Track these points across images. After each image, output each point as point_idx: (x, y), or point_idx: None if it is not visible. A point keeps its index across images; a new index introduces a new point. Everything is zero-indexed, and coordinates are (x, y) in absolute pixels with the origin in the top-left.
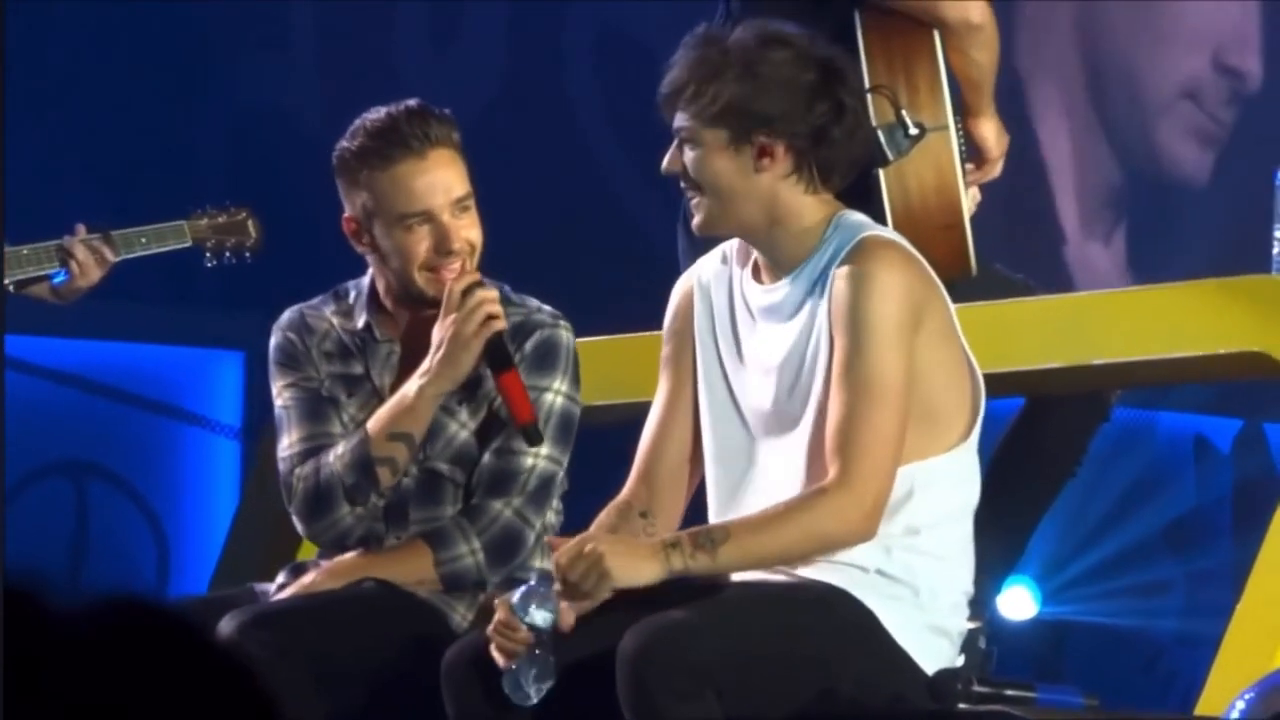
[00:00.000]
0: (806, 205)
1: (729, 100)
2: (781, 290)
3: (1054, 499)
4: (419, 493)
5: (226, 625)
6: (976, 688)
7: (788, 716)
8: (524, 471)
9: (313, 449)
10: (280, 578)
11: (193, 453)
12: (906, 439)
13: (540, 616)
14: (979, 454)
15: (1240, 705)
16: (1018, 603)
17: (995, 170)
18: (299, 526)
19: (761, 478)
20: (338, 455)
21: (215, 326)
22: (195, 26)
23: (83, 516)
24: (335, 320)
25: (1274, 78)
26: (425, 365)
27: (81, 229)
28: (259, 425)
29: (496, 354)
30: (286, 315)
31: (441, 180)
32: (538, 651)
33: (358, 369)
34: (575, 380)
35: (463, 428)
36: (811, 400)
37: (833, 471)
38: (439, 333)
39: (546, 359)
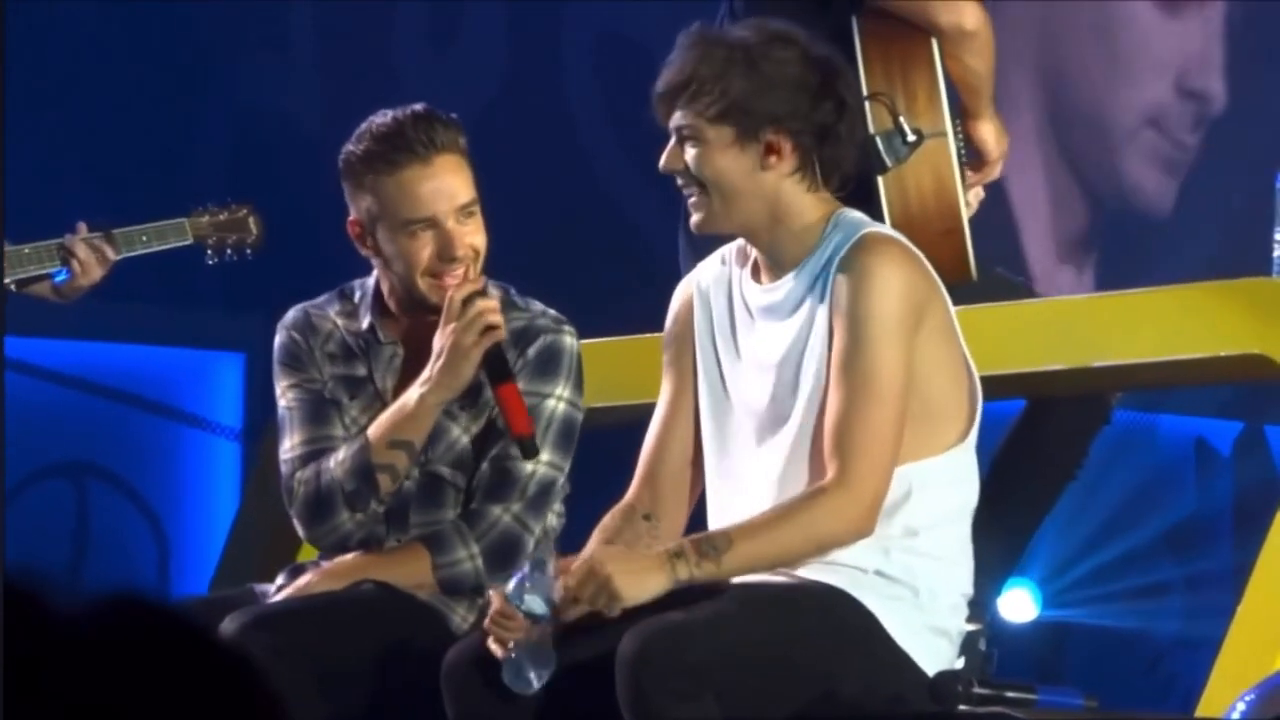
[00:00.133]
0: (807, 204)
1: (735, 97)
2: (782, 289)
3: (1055, 501)
4: (420, 496)
5: (227, 627)
6: (977, 689)
7: (787, 718)
8: (524, 477)
9: (314, 452)
10: (280, 579)
11: (193, 454)
12: (905, 439)
13: (535, 603)
14: (979, 456)
15: (1241, 707)
16: (1018, 605)
17: (995, 172)
18: (300, 530)
19: (759, 474)
20: (339, 461)
21: (216, 328)
22: (195, 26)
23: (83, 518)
24: (340, 321)
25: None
26: (426, 374)
27: (83, 227)
28: (259, 427)
29: (495, 365)
30: (291, 314)
31: (446, 186)
32: (536, 639)
33: (360, 371)
34: (578, 386)
35: (464, 432)
36: (804, 395)
37: (831, 470)
38: (439, 341)
39: (549, 365)
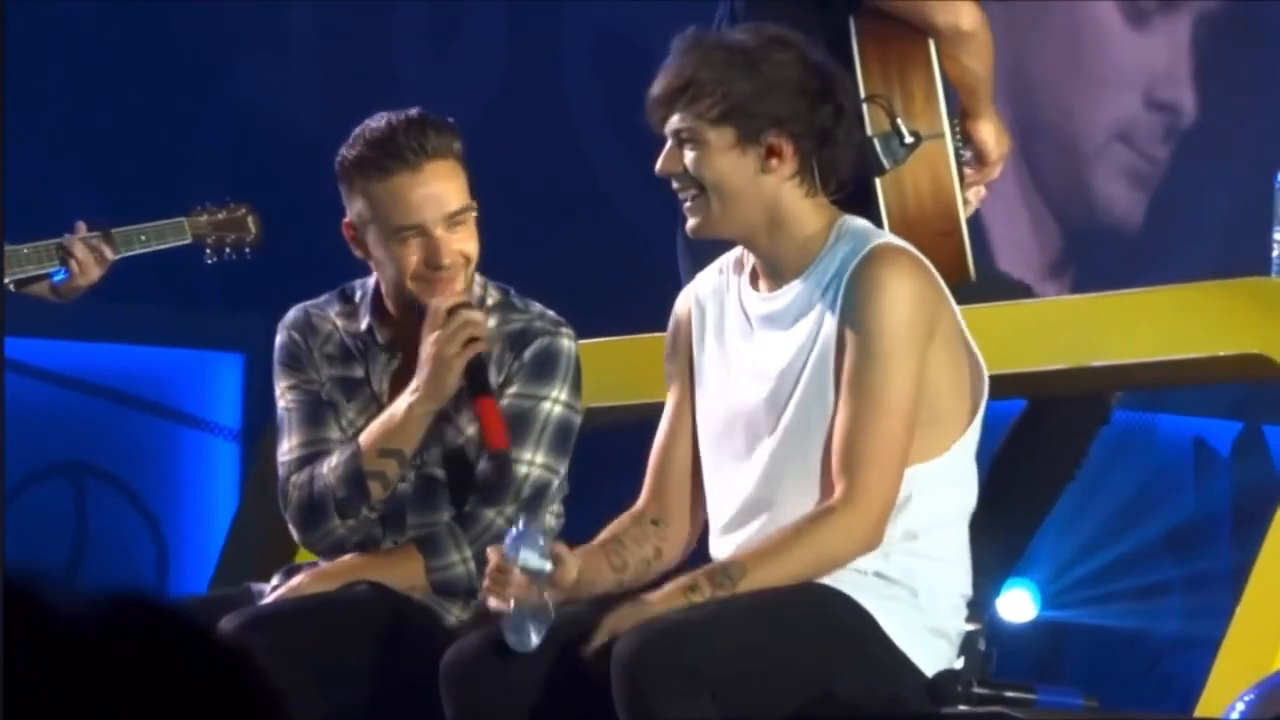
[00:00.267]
0: (806, 209)
1: (737, 99)
2: (783, 297)
3: (1054, 501)
4: (416, 498)
5: (222, 628)
6: (976, 689)
7: (785, 719)
8: (518, 480)
9: (309, 455)
10: (275, 579)
11: (192, 455)
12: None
13: (531, 559)
14: (980, 457)
15: (1240, 707)
16: (1017, 605)
17: (995, 172)
18: (294, 534)
19: (751, 482)
20: (331, 467)
21: (215, 329)
22: (195, 26)
23: (82, 518)
24: (339, 321)
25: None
26: (414, 383)
27: (81, 227)
28: (258, 427)
29: (475, 376)
30: (292, 314)
31: (435, 194)
32: (533, 595)
33: (358, 372)
34: (575, 388)
35: (460, 434)
36: (795, 402)
37: (840, 488)
38: (424, 350)
39: (545, 367)
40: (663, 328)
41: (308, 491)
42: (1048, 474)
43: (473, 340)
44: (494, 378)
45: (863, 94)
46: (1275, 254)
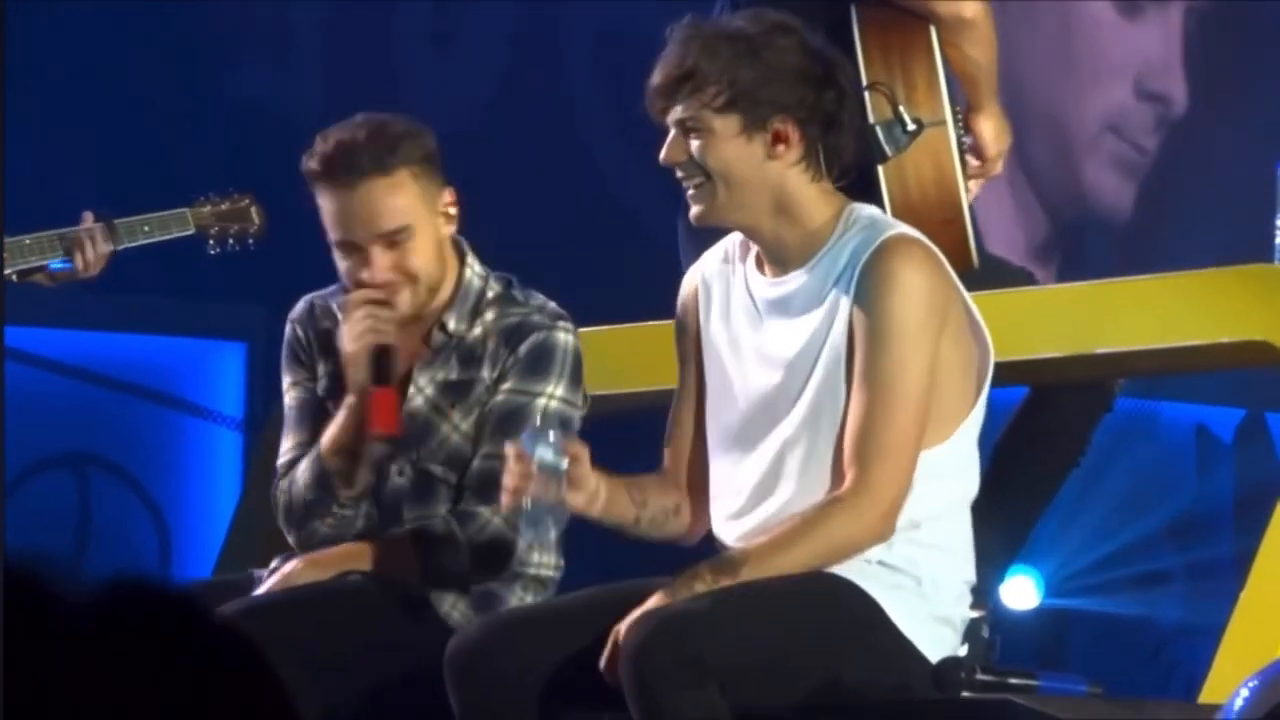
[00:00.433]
0: (813, 195)
1: (743, 86)
2: (792, 283)
3: (1057, 489)
4: (412, 493)
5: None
6: (980, 676)
7: (792, 706)
8: None
9: (297, 459)
10: (274, 563)
11: (195, 444)
12: None
13: (548, 454)
14: (982, 445)
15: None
16: (1021, 592)
17: (995, 169)
18: (288, 538)
19: (759, 469)
20: (301, 471)
21: (217, 317)
22: (198, 23)
23: (85, 508)
24: (340, 314)
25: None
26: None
27: (88, 216)
28: (261, 416)
29: (376, 367)
30: (298, 306)
31: (366, 213)
32: (549, 491)
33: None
34: (573, 383)
35: (454, 430)
36: (810, 393)
37: (850, 477)
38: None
39: (539, 363)
40: (663, 316)
41: (288, 496)
42: (1050, 461)
43: (372, 331)
44: (489, 373)
45: (864, 81)
46: (1278, 241)
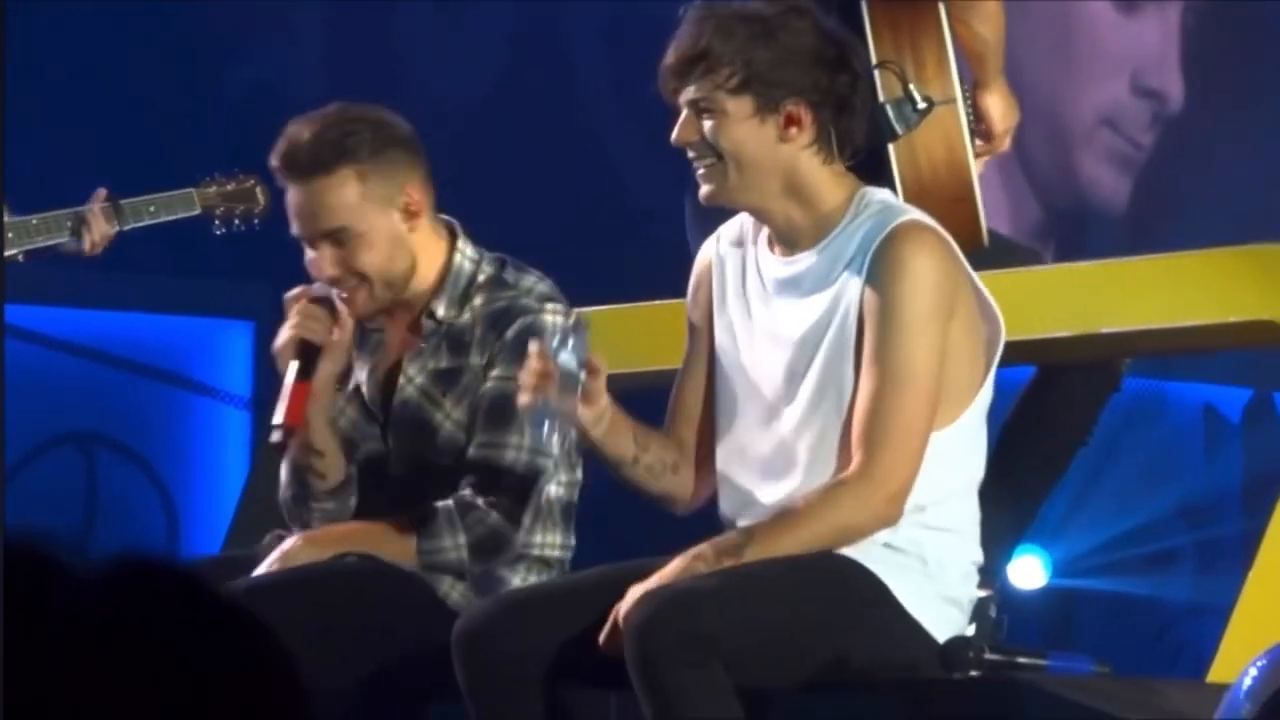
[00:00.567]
0: (825, 177)
1: (757, 68)
2: (802, 263)
3: (1065, 468)
4: (407, 483)
5: None
6: (988, 656)
7: (797, 685)
8: (510, 466)
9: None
10: (266, 539)
11: (202, 423)
12: None
13: (569, 360)
14: (990, 425)
15: (1252, 673)
16: (1028, 572)
17: (1002, 145)
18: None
19: (763, 447)
20: (282, 467)
21: (224, 297)
22: (202, 8)
23: (93, 487)
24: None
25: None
26: None
27: (102, 193)
28: (268, 395)
29: (301, 361)
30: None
31: (308, 212)
32: (564, 397)
33: (350, 358)
34: None
35: (447, 418)
36: (815, 374)
37: (857, 459)
38: None
39: (527, 347)
40: (667, 296)
41: (280, 491)
42: (1057, 441)
43: (301, 329)
44: (478, 359)
45: (874, 60)
46: None
